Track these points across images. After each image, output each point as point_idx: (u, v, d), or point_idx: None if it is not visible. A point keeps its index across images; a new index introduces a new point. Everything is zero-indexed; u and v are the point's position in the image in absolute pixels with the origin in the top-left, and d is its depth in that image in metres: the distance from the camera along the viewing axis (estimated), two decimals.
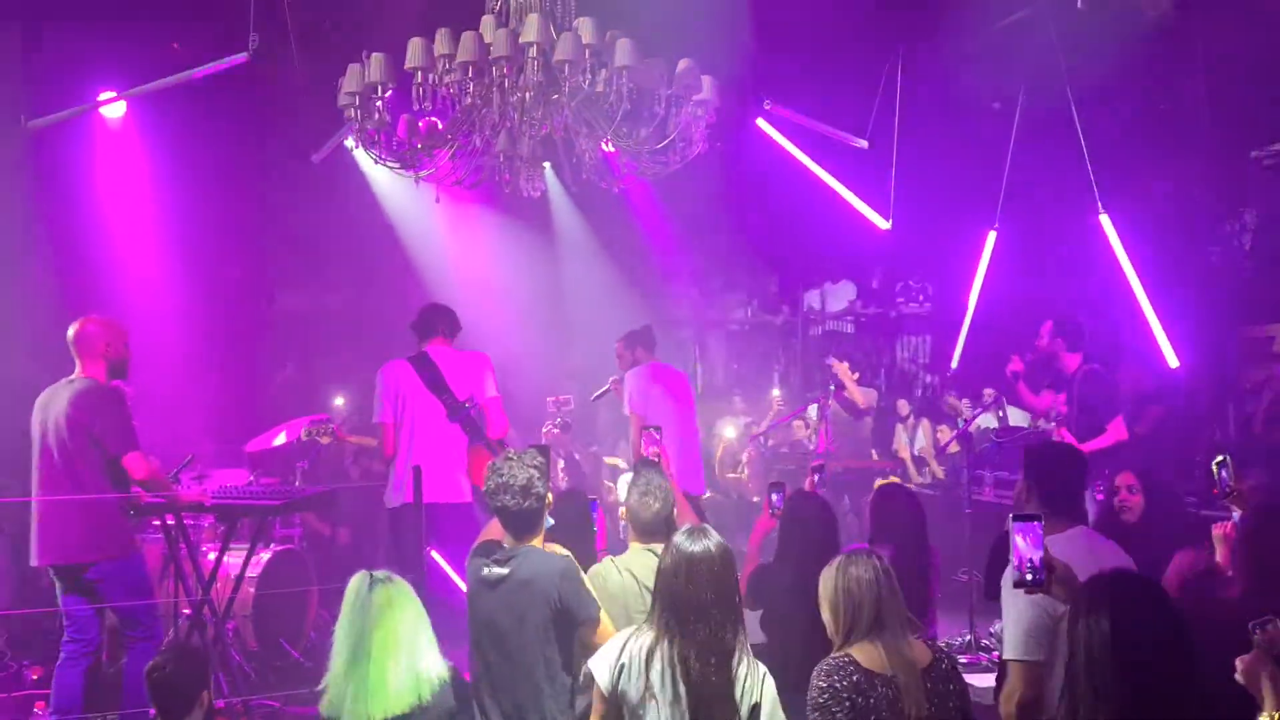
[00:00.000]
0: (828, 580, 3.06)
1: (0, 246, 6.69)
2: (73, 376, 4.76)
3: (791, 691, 3.21)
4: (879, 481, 8.34)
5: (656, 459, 4.59)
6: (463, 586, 3.94)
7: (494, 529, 3.79)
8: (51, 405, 4.67)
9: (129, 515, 4.82)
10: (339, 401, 8.64)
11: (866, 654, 2.93)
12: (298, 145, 8.14)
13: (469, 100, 4.51)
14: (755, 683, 3.06)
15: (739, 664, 3.05)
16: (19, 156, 6.72)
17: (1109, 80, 7.17)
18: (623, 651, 3.09)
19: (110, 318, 4.97)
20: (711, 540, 3.11)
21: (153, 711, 4.87)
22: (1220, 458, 3.77)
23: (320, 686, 3.27)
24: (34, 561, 4.74)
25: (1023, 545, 2.73)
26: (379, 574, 3.24)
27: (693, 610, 3.02)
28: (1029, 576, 2.72)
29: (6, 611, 5.86)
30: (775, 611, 4.19)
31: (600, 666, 3.13)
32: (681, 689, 2.98)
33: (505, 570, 3.53)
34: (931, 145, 9.35)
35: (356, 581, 3.23)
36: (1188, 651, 2.42)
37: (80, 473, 4.60)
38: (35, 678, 5.73)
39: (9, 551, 6.30)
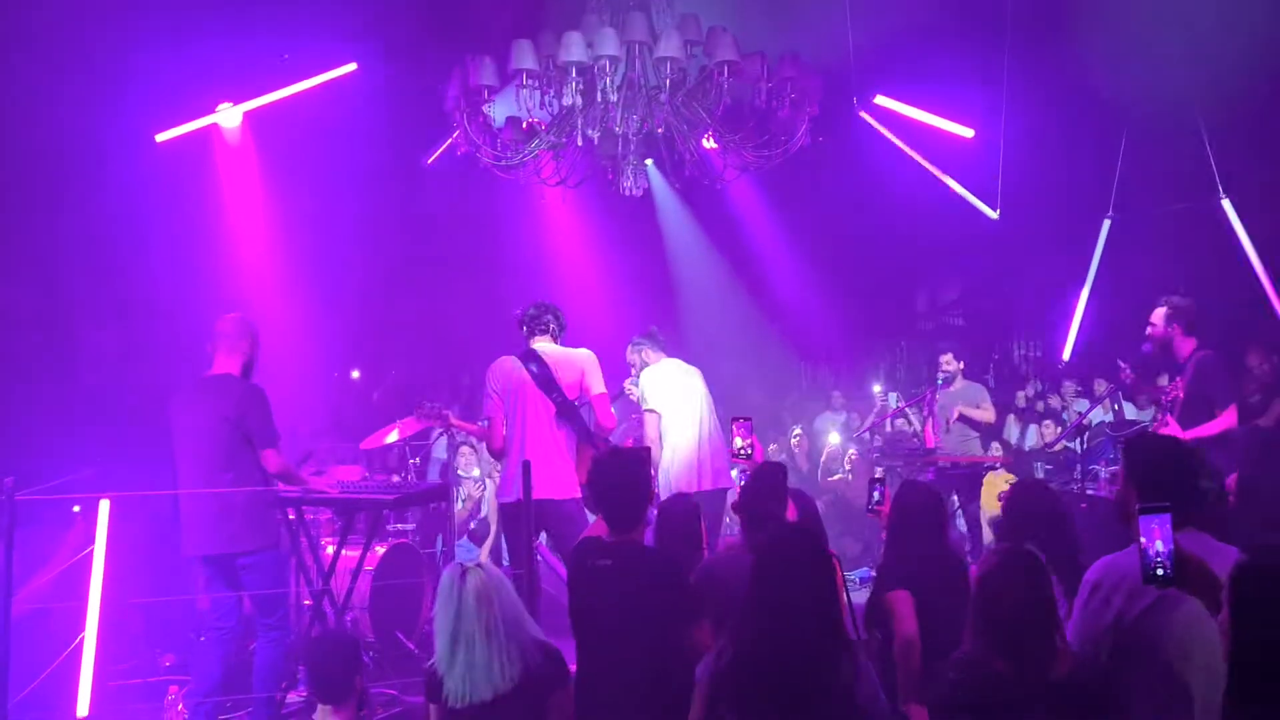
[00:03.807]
0: (978, 581, 2.90)
1: (140, 255, 7.01)
2: (212, 373, 4.86)
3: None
4: (991, 476, 8.18)
5: (748, 453, 4.55)
6: None
7: (598, 525, 3.83)
8: (199, 401, 4.78)
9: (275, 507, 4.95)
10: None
11: (1001, 656, 2.78)
12: (408, 149, 8.35)
13: (572, 100, 4.57)
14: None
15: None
16: (150, 169, 7.04)
17: (1228, 59, 6.88)
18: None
19: (247, 315, 5.06)
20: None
21: (295, 695, 5.10)
22: None
23: (429, 670, 3.37)
24: (187, 552, 4.85)
25: (1150, 538, 2.60)
26: (469, 565, 3.32)
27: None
28: (1158, 572, 2.55)
29: (142, 599, 6.12)
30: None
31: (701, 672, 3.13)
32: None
33: (608, 563, 3.56)
34: (1042, 132, 9.10)
35: (448, 575, 3.32)
36: None
37: (238, 466, 4.74)
38: (168, 664, 6.01)
39: (143, 542, 6.58)
